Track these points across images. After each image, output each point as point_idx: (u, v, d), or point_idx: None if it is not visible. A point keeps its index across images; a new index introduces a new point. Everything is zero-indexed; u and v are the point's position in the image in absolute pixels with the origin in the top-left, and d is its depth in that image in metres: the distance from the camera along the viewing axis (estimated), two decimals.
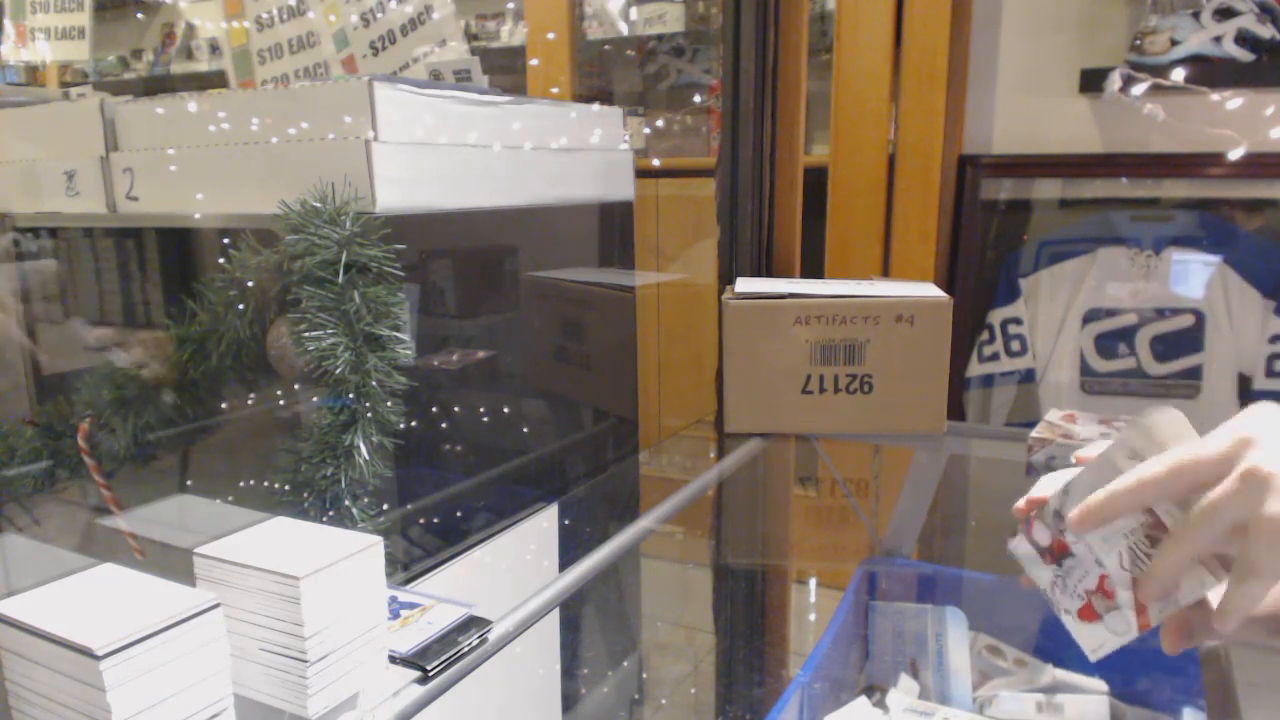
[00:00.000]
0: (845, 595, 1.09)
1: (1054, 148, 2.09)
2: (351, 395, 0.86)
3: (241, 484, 1.02)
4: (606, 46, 2.93)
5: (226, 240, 0.97)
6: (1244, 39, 1.82)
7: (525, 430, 1.26)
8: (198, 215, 1.02)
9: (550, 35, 2.63)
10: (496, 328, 1.17)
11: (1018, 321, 2.10)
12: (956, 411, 2.12)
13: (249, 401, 1.02)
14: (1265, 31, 1.81)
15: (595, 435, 1.41)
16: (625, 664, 1.51)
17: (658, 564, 1.49)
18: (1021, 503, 0.63)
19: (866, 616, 1.10)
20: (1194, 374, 1.96)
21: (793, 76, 1.49)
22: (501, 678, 1.09)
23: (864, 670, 1.09)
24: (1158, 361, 1.98)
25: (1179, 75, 1.85)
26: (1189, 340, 1.96)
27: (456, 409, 1.11)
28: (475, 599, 0.78)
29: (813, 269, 1.97)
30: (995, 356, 2.11)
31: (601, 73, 3.00)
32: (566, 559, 1.20)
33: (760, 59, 1.44)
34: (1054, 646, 1.08)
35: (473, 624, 0.75)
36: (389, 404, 0.87)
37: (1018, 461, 1.22)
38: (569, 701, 1.31)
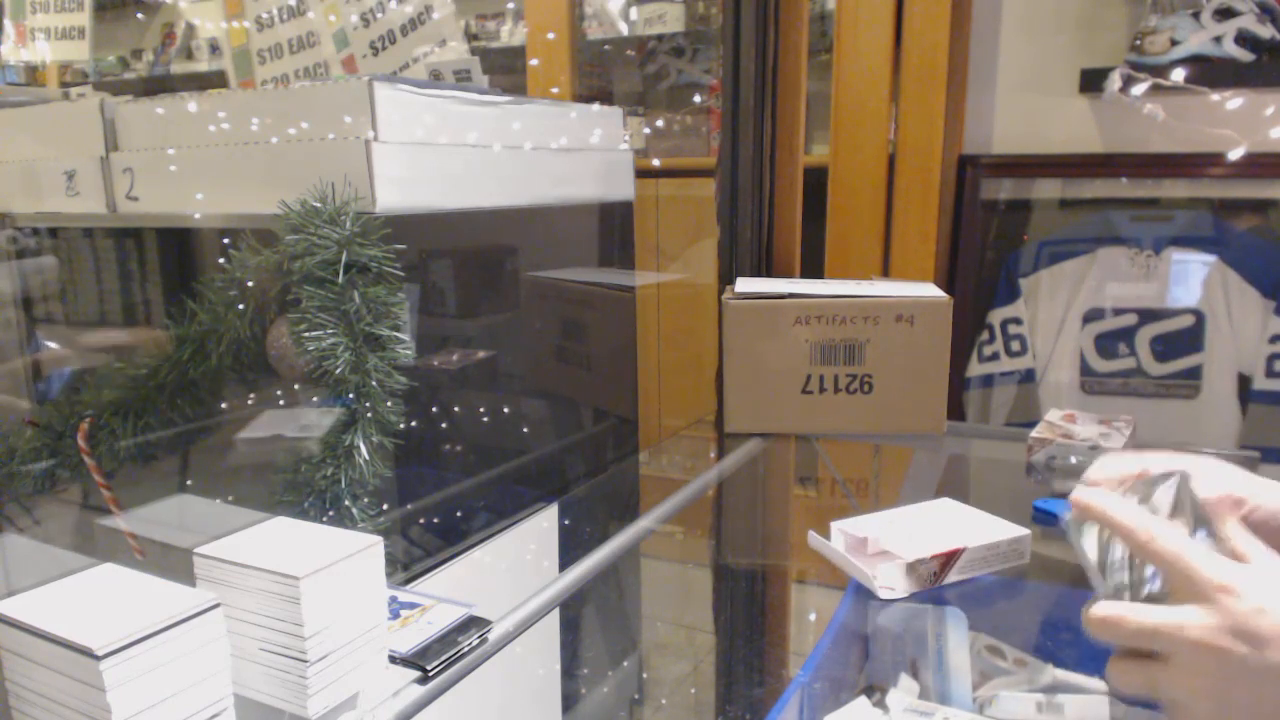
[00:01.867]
0: (845, 595, 1.09)
1: (1054, 148, 2.09)
2: (351, 395, 0.86)
3: (241, 484, 1.02)
4: (606, 46, 2.93)
5: (226, 240, 0.97)
6: (1244, 39, 1.82)
7: (525, 430, 1.26)
8: (198, 215, 1.02)
9: (550, 35, 2.63)
10: (496, 328, 1.17)
11: (1018, 321, 2.10)
12: (956, 411, 2.12)
13: (249, 401, 1.02)
14: (1265, 31, 1.81)
15: (595, 435, 1.41)
16: (625, 664, 1.51)
17: (658, 564, 1.49)
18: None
19: (866, 616, 1.10)
20: (1194, 374, 1.96)
21: (793, 76, 1.49)
22: (501, 678, 1.09)
23: (864, 670, 1.09)
24: (1158, 361, 1.98)
25: (1179, 75, 1.85)
26: (1189, 340, 1.96)
27: (456, 409, 1.11)
28: (475, 599, 0.78)
29: (813, 269, 1.97)
30: (995, 356, 2.11)
31: (601, 73, 3.00)
32: (566, 559, 1.20)
33: (760, 59, 1.44)
34: (1054, 646, 1.08)
35: (473, 624, 0.75)
36: (389, 404, 0.87)
37: (1018, 461, 1.22)
38: (569, 701, 1.31)
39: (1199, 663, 0.51)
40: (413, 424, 0.96)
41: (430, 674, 0.69)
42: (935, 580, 0.95)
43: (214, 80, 3.53)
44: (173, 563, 0.90)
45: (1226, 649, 0.50)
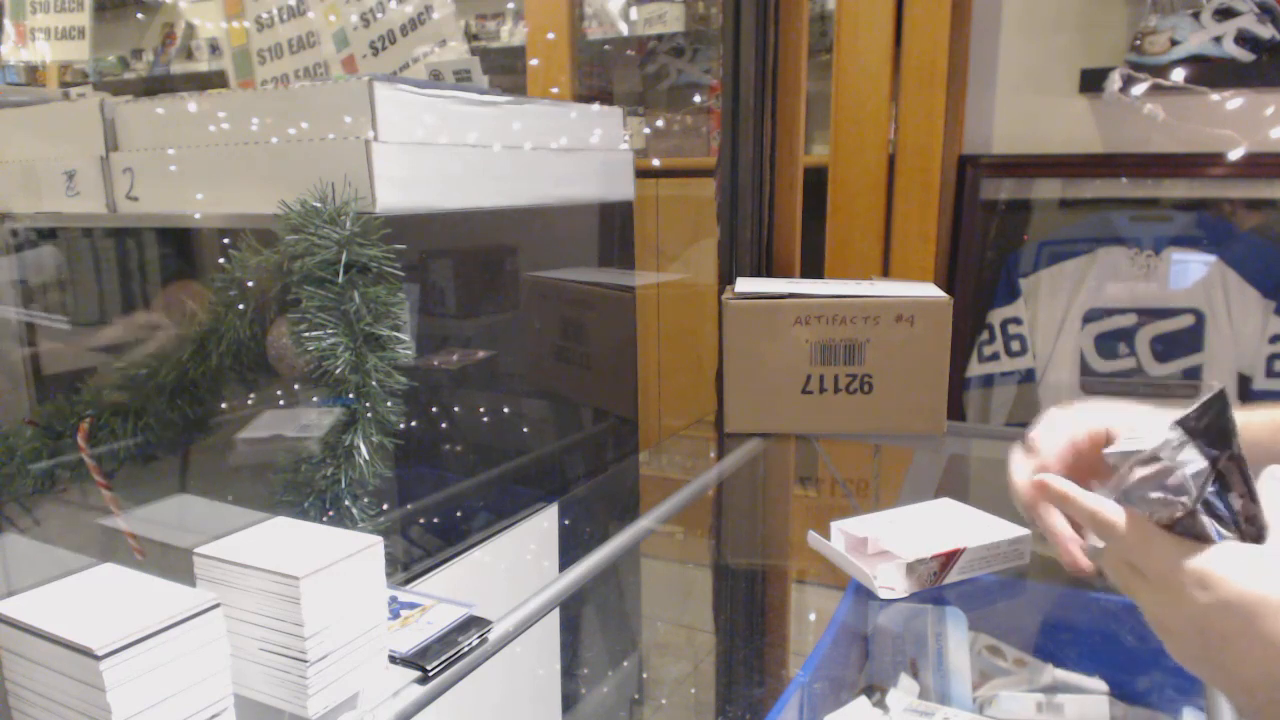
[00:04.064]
0: (845, 595, 1.09)
1: (1054, 148, 2.09)
2: (351, 395, 0.86)
3: (241, 484, 1.02)
4: (606, 46, 2.93)
5: (226, 240, 0.97)
6: (1244, 39, 1.82)
7: (525, 430, 1.26)
8: (198, 215, 1.02)
9: (550, 35, 2.63)
10: (496, 328, 1.17)
11: (1018, 321, 2.10)
12: (956, 411, 2.11)
13: (249, 401, 1.02)
14: (1265, 31, 1.81)
15: (595, 435, 1.41)
16: (625, 664, 1.51)
17: (658, 564, 1.49)
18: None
19: (866, 616, 1.10)
20: (1194, 374, 1.96)
21: (793, 76, 1.49)
22: (501, 678, 1.09)
23: (864, 670, 1.09)
24: (1158, 361, 1.98)
25: (1179, 75, 1.85)
26: (1189, 340, 1.96)
27: (456, 409, 1.11)
28: (475, 599, 0.78)
29: (813, 269, 1.96)
30: (995, 356, 2.11)
31: (601, 73, 3.00)
32: (566, 559, 1.20)
33: (760, 59, 1.44)
34: (1054, 646, 1.08)
35: (473, 624, 0.75)
36: (389, 404, 0.87)
37: None
38: (569, 701, 1.31)
39: (1177, 604, 0.53)
40: (413, 424, 0.96)
41: (430, 674, 0.69)
42: (935, 580, 0.95)
43: (214, 80, 3.53)
44: (173, 563, 0.90)
45: (1207, 627, 0.52)
